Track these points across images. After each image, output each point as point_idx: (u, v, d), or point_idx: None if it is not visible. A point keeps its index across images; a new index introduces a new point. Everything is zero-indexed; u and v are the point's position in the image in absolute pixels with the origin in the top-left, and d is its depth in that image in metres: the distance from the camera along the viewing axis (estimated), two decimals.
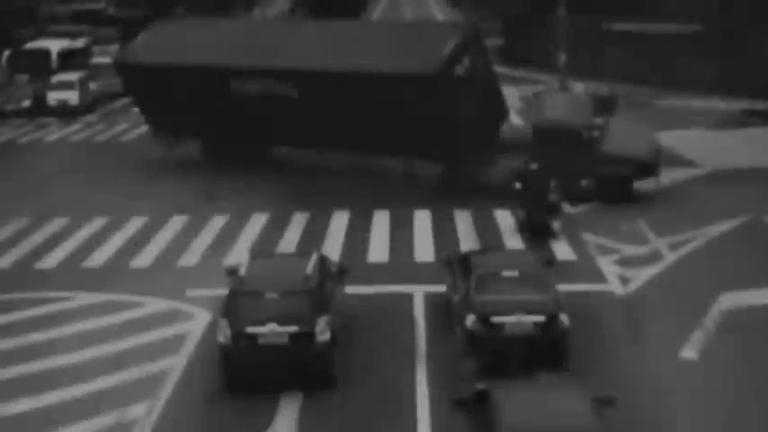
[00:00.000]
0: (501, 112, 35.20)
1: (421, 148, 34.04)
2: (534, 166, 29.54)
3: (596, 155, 32.57)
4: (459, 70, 32.96)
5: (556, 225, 29.07)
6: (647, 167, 32.78)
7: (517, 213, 29.89)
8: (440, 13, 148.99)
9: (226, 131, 39.18)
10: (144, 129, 49.11)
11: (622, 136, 33.54)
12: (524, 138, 33.09)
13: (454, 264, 22.82)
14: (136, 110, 55.82)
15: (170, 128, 40.63)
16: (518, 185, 29.62)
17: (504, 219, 30.99)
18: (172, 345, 21.76)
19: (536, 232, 28.96)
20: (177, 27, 42.47)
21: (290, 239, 29.61)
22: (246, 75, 36.56)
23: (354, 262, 26.02)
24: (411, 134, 33.60)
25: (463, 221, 30.89)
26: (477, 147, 33.63)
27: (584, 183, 32.38)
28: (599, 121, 33.83)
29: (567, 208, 31.63)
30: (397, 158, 36.40)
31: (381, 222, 31.12)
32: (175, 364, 20.76)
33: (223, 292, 20.95)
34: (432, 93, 32.42)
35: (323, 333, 19.23)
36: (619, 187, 32.71)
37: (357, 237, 29.71)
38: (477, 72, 33.73)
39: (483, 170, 34.85)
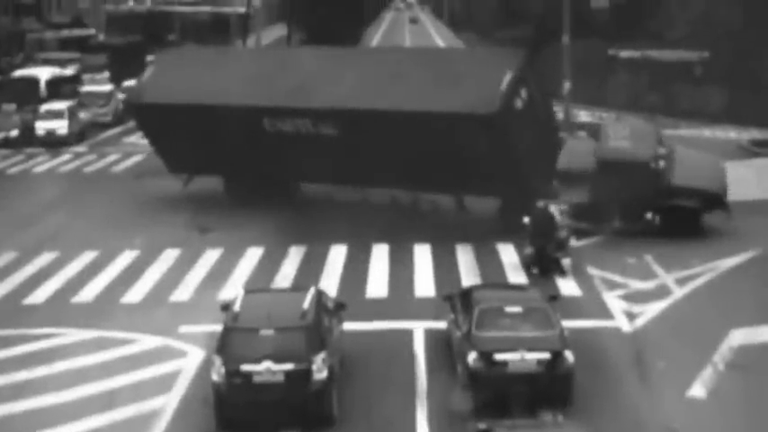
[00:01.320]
0: (557, 139, 34.34)
1: (475, 184, 32.84)
2: (541, 204, 29.40)
3: (664, 187, 32.12)
4: (519, 104, 31.91)
5: (566, 262, 28.97)
6: (717, 200, 32.33)
7: (525, 249, 29.67)
8: (441, 40, 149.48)
9: (254, 169, 37.87)
10: (135, 159, 49.34)
11: (690, 166, 33.01)
12: (586, 168, 32.44)
13: (455, 299, 22.92)
14: (126, 140, 56.14)
15: (188, 165, 39.33)
16: (526, 221, 29.64)
17: (507, 253, 31.05)
18: (164, 383, 21.79)
19: (545, 269, 28.89)
20: (186, 60, 40.98)
21: (285, 274, 29.69)
22: (282, 114, 35.19)
23: (352, 297, 26.09)
24: (465, 171, 32.46)
25: (465, 256, 30.98)
26: (536, 178, 32.37)
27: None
28: (663, 149, 33.31)
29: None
30: (448, 194, 35.17)
31: (380, 256, 31.21)
32: (168, 403, 20.80)
33: (217, 328, 20.99)
34: (491, 132, 31.32)
35: (320, 371, 19.30)
36: (687, 221, 32.23)
37: (355, 271, 29.79)
38: (535, 102, 32.71)
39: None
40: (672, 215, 32.26)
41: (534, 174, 32.26)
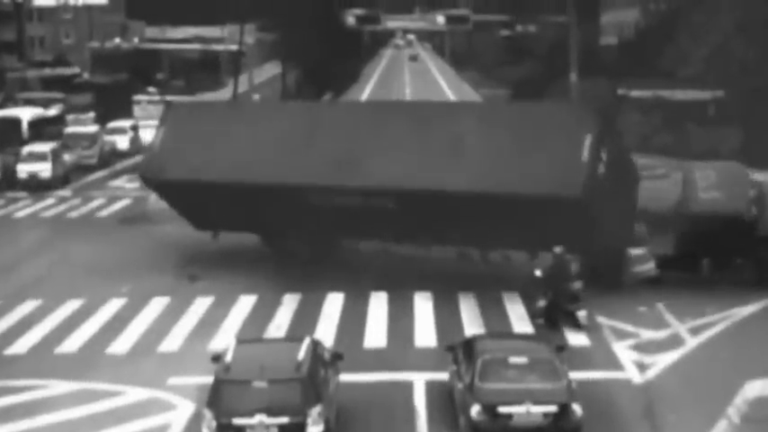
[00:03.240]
0: (635, 186, 32.87)
1: (551, 244, 30.10)
2: (558, 250, 29.40)
3: (758, 237, 31.58)
4: (600, 169, 30.41)
5: (581, 315, 28.75)
6: None
7: (537, 302, 29.39)
8: (442, 79, 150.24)
9: (296, 231, 36.30)
10: (122, 204, 49.61)
11: None
12: (666, 210, 32.29)
13: (458, 349, 23.05)
14: (113, 184, 56.45)
15: (218, 225, 37.32)
16: (538, 273, 29.54)
17: (513, 302, 31.16)
18: None
19: (553, 321, 28.77)
20: (202, 119, 37.71)
21: (279, 323, 29.81)
22: (330, 192, 33.14)
23: (350, 347, 26.22)
24: (540, 235, 30.62)
25: (468, 304, 31.11)
26: (617, 233, 31.34)
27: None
28: (753, 192, 32.66)
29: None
30: (520, 251, 33.38)
31: (379, 305, 31.35)
32: None
33: (208, 380, 21.13)
34: (574, 209, 29.93)
35: (316, 424, 19.44)
36: None
37: (353, 320, 29.92)
38: (614, 157, 31.14)
39: (625, 256, 32.38)
40: (765, 265, 31.84)
41: (616, 229, 31.32)
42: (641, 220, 32.51)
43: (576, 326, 28.59)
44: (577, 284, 28.97)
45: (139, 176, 39.05)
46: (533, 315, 29.42)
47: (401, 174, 32.10)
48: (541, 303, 29.27)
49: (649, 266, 31.68)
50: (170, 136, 36.95)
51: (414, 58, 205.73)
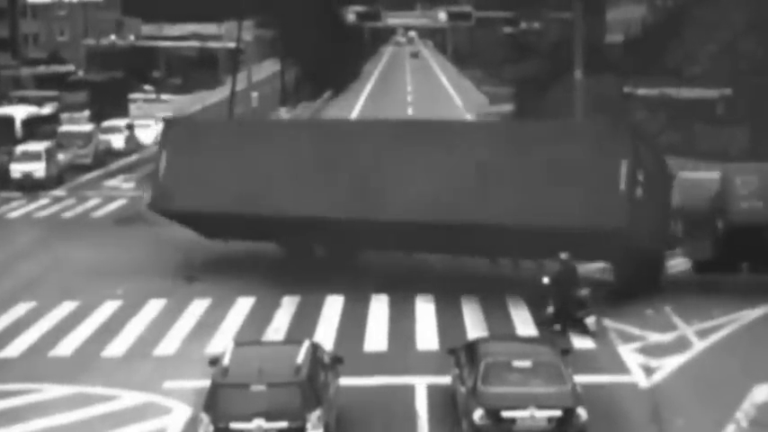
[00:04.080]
0: (669, 182, 32.35)
1: (585, 255, 30.60)
2: (564, 256, 29.28)
3: None
4: (638, 192, 29.74)
5: (590, 321, 28.59)
6: None
7: (546, 308, 29.19)
8: (444, 77, 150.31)
9: (312, 242, 36.04)
10: (117, 204, 49.62)
11: None
12: (702, 209, 32.02)
13: (460, 352, 23.04)
14: (108, 183, 56.45)
15: (230, 235, 36.51)
16: (546, 280, 29.36)
17: (516, 305, 31.13)
18: None
19: (564, 328, 28.72)
20: (205, 140, 36.05)
21: (278, 326, 29.81)
22: (348, 224, 32.32)
23: (350, 350, 26.19)
24: (574, 249, 29.58)
25: (470, 307, 31.09)
26: (652, 235, 30.91)
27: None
28: None
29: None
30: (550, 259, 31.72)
31: (380, 308, 31.33)
32: None
33: (205, 383, 21.13)
34: (614, 239, 29.42)
35: (315, 429, 19.43)
36: None
37: (353, 323, 29.91)
38: (650, 173, 30.47)
39: (663, 257, 32.59)
40: None
41: (652, 233, 30.87)
42: (676, 217, 32.36)
43: (585, 332, 28.50)
44: (585, 291, 28.93)
45: (148, 207, 37.95)
46: (542, 322, 29.23)
47: (426, 205, 30.95)
48: (550, 310, 29.18)
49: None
50: (173, 161, 35.62)
51: (415, 55, 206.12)
